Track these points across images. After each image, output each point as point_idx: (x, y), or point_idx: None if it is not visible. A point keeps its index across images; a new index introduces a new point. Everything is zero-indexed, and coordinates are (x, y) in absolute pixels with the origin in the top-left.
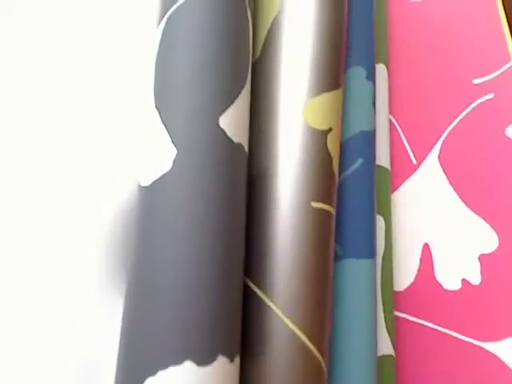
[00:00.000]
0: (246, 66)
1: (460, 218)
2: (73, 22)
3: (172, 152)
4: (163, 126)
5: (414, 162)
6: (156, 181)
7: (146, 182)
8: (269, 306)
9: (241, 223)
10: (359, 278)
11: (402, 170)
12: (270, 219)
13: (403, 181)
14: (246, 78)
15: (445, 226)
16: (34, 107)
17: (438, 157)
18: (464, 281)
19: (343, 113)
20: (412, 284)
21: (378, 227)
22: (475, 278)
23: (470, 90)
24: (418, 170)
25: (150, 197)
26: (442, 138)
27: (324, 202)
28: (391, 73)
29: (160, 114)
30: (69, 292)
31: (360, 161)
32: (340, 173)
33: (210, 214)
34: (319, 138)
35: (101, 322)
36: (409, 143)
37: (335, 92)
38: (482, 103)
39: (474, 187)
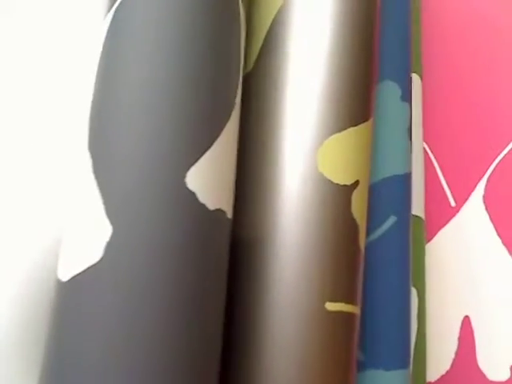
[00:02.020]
0: (234, 87)
1: (510, 281)
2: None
3: (105, 231)
4: (96, 183)
5: (453, 204)
6: (78, 275)
7: (64, 275)
8: None
9: (216, 331)
10: None
11: (438, 214)
12: (263, 327)
13: (438, 229)
14: (232, 106)
15: (491, 292)
16: None
17: (483, 198)
18: None
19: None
20: (447, 373)
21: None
22: None
23: None
24: (458, 216)
25: (70, 297)
26: (489, 173)
27: (346, 301)
28: (423, 85)
29: (93, 163)
30: None
31: (392, 219)
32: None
33: (161, 332)
34: (340, 197)
35: None
36: (446, 180)
37: (363, 126)
38: None
39: None
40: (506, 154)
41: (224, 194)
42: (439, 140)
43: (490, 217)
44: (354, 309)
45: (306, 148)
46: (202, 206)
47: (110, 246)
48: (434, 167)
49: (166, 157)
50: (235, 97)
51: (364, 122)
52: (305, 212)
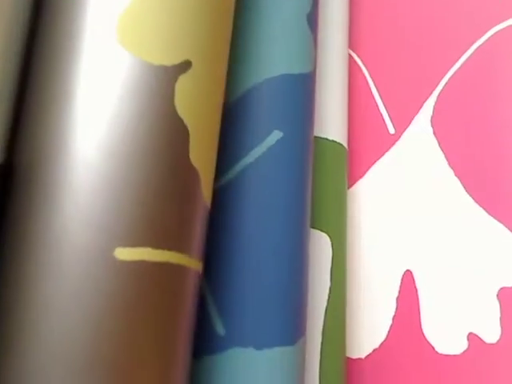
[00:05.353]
0: None
1: (467, 224)
2: None
3: None
4: None
5: (392, 131)
6: None
7: None
8: None
9: None
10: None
11: (371, 145)
12: (32, 288)
13: (372, 162)
14: None
15: (441, 239)
16: None
17: (431, 121)
18: (472, 337)
19: (237, 30)
20: (382, 345)
21: (316, 254)
22: (491, 332)
23: (482, 13)
24: (398, 144)
25: None
26: (437, 92)
27: (157, 247)
28: None
29: None
30: None
31: (277, 135)
32: (227, 165)
33: None
34: (155, 84)
35: None
36: (383, 101)
37: None
38: (499, 32)
39: (487, 171)
40: (460, 66)
41: None
42: (374, 48)
43: (439, 143)
44: (178, 258)
45: (107, 9)
46: None
47: None
48: (367, 85)
49: None
50: None
51: None
52: (98, 109)
